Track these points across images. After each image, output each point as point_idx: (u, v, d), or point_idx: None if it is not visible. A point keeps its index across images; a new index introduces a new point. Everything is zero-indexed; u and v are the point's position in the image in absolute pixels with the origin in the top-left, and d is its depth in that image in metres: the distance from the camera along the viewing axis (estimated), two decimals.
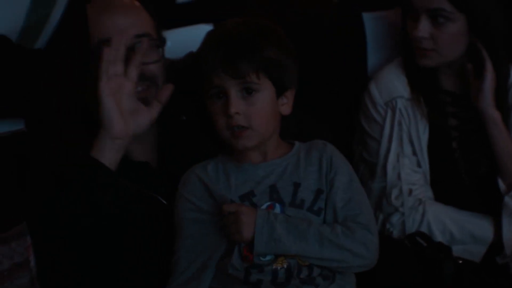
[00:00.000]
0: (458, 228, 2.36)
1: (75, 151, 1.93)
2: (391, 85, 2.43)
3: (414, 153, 2.41)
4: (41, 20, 2.22)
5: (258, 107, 1.89)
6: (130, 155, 2.04)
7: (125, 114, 1.92)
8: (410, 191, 2.38)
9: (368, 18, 2.65)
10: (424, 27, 2.30)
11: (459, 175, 2.44)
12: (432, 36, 2.31)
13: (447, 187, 2.44)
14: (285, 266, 1.86)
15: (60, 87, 2.12)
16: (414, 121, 2.40)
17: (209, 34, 1.97)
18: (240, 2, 2.87)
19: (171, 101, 2.00)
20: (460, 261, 2.20)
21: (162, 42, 2.09)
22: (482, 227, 2.38)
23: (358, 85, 2.55)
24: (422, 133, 2.40)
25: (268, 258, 1.86)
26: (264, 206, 1.90)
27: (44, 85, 2.12)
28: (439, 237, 2.34)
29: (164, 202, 2.01)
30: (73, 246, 1.91)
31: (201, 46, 1.96)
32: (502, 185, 2.37)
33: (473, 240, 2.37)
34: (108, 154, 1.91)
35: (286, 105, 1.97)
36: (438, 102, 2.42)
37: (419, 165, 2.41)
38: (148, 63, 2.00)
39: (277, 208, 1.91)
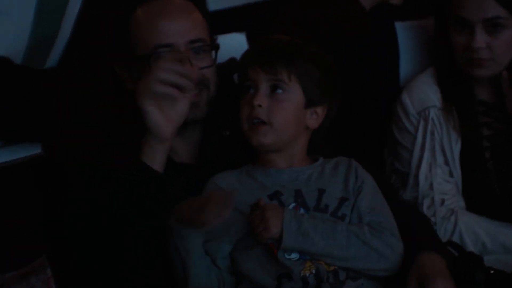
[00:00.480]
0: (490, 239, 2.36)
1: (123, 158, 1.93)
2: (424, 95, 2.43)
3: (446, 163, 2.41)
4: (49, 36, 2.20)
5: (282, 106, 1.94)
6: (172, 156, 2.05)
7: (165, 110, 1.90)
8: (442, 201, 2.38)
9: (401, 28, 2.66)
10: (481, 37, 2.28)
11: (491, 185, 2.43)
12: (489, 45, 2.29)
13: (479, 197, 2.44)
14: (313, 271, 1.87)
15: (83, 100, 2.14)
16: (446, 131, 2.41)
17: (255, 41, 2.07)
18: (273, 12, 2.89)
19: (215, 115, 2.03)
20: (492, 271, 2.19)
21: (215, 46, 2.10)
22: None
23: (390, 95, 2.56)
24: (454, 143, 2.41)
25: (293, 256, 1.87)
26: (290, 207, 1.93)
27: (64, 102, 2.14)
28: (471, 247, 2.34)
29: None
30: (115, 256, 1.91)
31: (245, 50, 2.05)
32: None
33: (505, 251, 2.37)
34: (159, 158, 1.92)
35: (314, 120, 2.02)
36: (471, 112, 2.42)
37: (451, 175, 2.41)
38: (201, 68, 2.02)
39: (302, 212, 1.93)
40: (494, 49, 2.29)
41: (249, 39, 2.59)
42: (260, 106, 1.93)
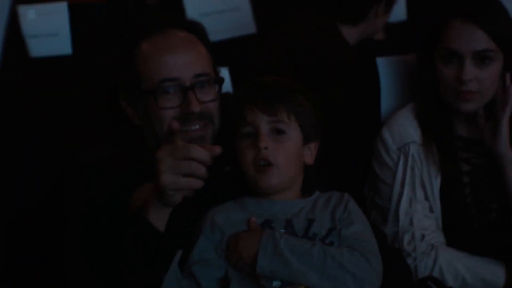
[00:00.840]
0: (470, 274, 2.36)
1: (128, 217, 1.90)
2: (404, 130, 2.44)
3: (426, 198, 2.42)
4: None
5: (285, 147, 1.99)
6: None
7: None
8: (423, 237, 2.38)
9: (382, 63, 2.67)
10: (471, 70, 2.29)
11: (470, 220, 2.44)
12: (477, 78, 2.30)
13: (458, 232, 2.44)
14: None
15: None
16: (426, 167, 2.42)
17: (246, 83, 2.09)
18: (256, 47, 2.91)
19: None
20: None
21: (219, 79, 2.12)
22: (494, 272, 2.38)
23: (371, 130, 2.57)
24: (434, 178, 2.41)
25: (275, 284, 1.88)
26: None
27: None
28: (451, 282, 2.34)
29: None
30: None
31: (238, 91, 2.08)
32: None
33: (485, 286, 2.37)
34: (165, 218, 1.88)
35: (309, 156, 2.08)
36: (450, 148, 2.43)
37: (431, 211, 2.42)
38: (206, 102, 2.04)
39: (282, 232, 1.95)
40: (481, 81, 2.31)
41: (232, 74, 2.61)
42: (266, 148, 1.97)
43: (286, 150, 1.99)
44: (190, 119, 2.02)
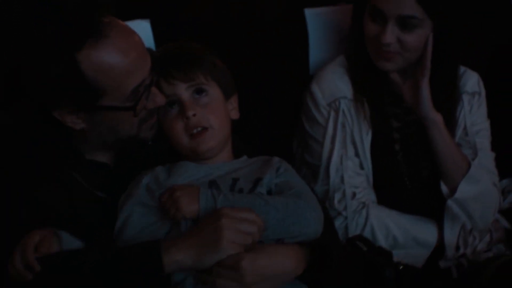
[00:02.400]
0: (401, 232, 2.34)
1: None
2: (334, 86, 2.38)
3: (357, 155, 2.37)
4: None
5: (213, 107, 1.98)
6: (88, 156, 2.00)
7: None
8: (354, 194, 2.34)
9: (311, 15, 2.58)
10: (392, 33, 2.22)
11: (401, 178, 2.41)
12: (399, 39, 2.23)
13: (390, 190, 2.41)
14: None
15: None
16: (357, 122, 2.36)
17: (158, 51, 2.05)
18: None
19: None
20: (401, 267, 2.18)
21: None
22: (425, 231, 2.37)
23: (300, 84, 2.50)
24: (365, 134, 2.36)
25: None
26: None
27: None
28: (382, 241, 2.32)
29: None
30: None
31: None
32: (444, 188, 2.35)
33: (417, 244, 2.36)
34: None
35: (234, 110, 2.08)
36: (380, 103, 2.38)
37: (362, 167, 2.38)
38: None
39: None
40: (403, 44, 2.24)
41: (153, 26, 2.50)
42: (194, 115, 1.94)
43: (213, 109, 1.98)
44: (155, 111, 1.99)
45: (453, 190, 2.34)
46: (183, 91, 1.96)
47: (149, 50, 1.98)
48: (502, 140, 2.55)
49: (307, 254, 1.88)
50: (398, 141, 2.41)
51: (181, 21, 2.70)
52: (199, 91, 1.97)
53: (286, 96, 2.54)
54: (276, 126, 2.53)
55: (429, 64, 2.25)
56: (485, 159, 2.42)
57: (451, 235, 2.36)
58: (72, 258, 1.79)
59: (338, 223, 2.32)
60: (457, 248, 2.38)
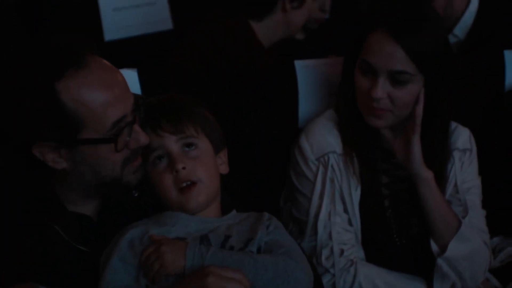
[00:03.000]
0: None
1: None
2: (323, 140, 2.35)
3: (346, 211, 2.34)
4: None
5: (202, 160, 1.93)
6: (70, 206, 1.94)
7: None
8: (342, 251, 2.30)
9: (301, 67, 2.57)
10: (383, 88, 2.20)
11: (390, 234, 2.38)
12: (390, 96, 2.21)
13: (378, 247, 2.38)
14: None
15: None
16: (346, 178, 2.33)
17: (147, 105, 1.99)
18: (169, 46, 2.81)
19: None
20: None
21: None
22: None
23: (288, 137, 2.48)
24: (354, 190, 2.33)
25: None
26: None
27: None
28: None
29: None
30: None
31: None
32: (434, 246, 2.31)
33: None
34: None
35: (223, 165, 2.02)
36: (370, 158, 2.35)
37: (350, 224, 2.34)
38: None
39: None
40: (394, 100, 2.22)
41: (140, 75, 2.48)
42: (184, 168, 1.89)
43: (203, 163, 1.93)
44: (139, 152, 1.94)
45: (443, 248, 2.30)
46: (172, 143, 1.91)
47: (135, 95, 1.94)
48: (493, 197, 2.52)
49: None
50: (388, 197, 2.38)
51: (168, 70, 2.69)
52: (189, 144, 1.92)
53: (275, 149, 2.51)
54: (264, 180, 2.50)
55: (420, 121, 2.23)
56: (476, 217, 2.39)
57: None
58: None
59: (325, 280, 2.28)
60: None
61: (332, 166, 2.32)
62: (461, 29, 2.81)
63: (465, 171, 2.40)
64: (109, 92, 1.83)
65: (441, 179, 2.36)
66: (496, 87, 2.72)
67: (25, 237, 1.87)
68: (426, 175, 2.27)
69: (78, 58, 1.80)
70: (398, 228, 2.38)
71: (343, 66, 2.39)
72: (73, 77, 1.79)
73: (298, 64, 2.57)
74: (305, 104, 2.55)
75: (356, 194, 2.33)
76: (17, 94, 1.79)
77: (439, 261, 2.29)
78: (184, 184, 1.90)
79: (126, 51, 2.77)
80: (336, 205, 2.32)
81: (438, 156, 2.35)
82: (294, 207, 2.40)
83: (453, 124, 2.42)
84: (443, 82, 2.25)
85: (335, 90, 2.46)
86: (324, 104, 2.49)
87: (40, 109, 1.78)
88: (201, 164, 1.92)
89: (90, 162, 1.87)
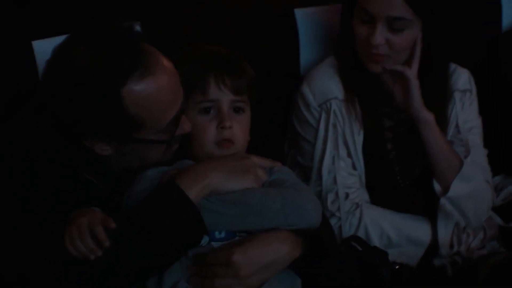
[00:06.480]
0: (395, 232, 2.34)
1: None
2: (325, 87, 2.37)
3: (349, 155, 2.37)
4: None
5: (244, 126, 2.01)
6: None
7: None
8: (347, 195, 2.34)
9: (301, 15, 2.57)
10: (381, 34, 2.21)
11: (394, 176, 2.41)
12: (388, 41, 2.23)
13: (382, 189, 2.41)
14: None
15: None
16: (348, 123, 2.36)
17: (192, 54, 2.06)
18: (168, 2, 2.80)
19: None
20: (397, 266, 2.18)
21: None
22: (419, 229, 2.37)
23: (291, 84, 2.50)
24: (356, 134, 2.36)
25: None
26: None
27: None
28: (376, 241, 2.32)
29: None
30: None
31: (184, 63, 1.98)
32: (437, 187, 2.35)
33: (411, 243, 2.36)
34: None
35: None
36: (372, 103, 2.38)
37: (354, 168, 2.37)
38: None
39: None
40: (392, 46, 2.24)
41: (144, 28, 2.49)
42: (230, 127, 1.97)
43: (244, 129, 2.02)
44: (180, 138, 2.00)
45: (446, 188, 2.33)
46: (228, 101, 1.98)
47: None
48: (494, 137, 2.55)
49: (302, 243, 1.89)
50: (390, 140, 2.40)
51: (170, 24, 2.68)
52: (239, 108, 2.00)
53: (277, 97, 2.53)
54: (267, 127, 2.52)
55: (417, 62, 2.26)
56: (478, 157, 2.42)
57: (445, 233, 2.35)
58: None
59: (332, 223, 2.30)
60: (451, 246, 2.37)
61: (334, 112, 2.35)
62: None
63: (466, 112, 2.43)
64: (169, 97, 1.88)
65: (443, 120, 2.38)
66: (493, 28, 2.74)
67: (65, 190, 1.90)
68: (427, 117, 2.29)
69: (143, 62, 1.83)
70: (402, 170, 2.41)
71: (341, 15, 2.40)
72: (137, 82, 1.82)
73: (298, 12, 2.58)
74: (307, 51, 2.56)
75: (359, 139, 2.36)
76: (85, 97, 1.81)
77: (442, 200, 2.33)
78: (223, 141, 1.97)
79: (125, 6, 2.76)
80: (339, 150, 2.35)
81: (439, 98, 2.37)
82: (298, 154, 2.44)
83: (452, 66, 2.44)
84: (440, 26, 2.27)
85: (336, 37, 2.47)
86: (325, 51, 2.50)
87: (104, 111, 1.82)
88: (242, 129, 2.00)
89: (137, 153, 1.94)
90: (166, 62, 1.89)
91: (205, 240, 1.88)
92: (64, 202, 1.87)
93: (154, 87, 1.84)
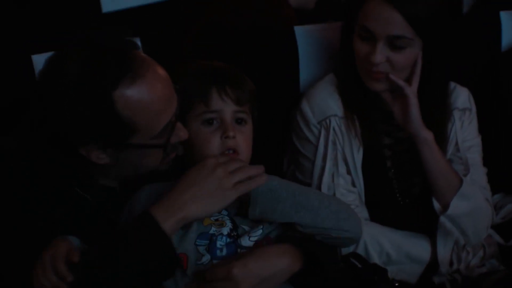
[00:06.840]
0: (395, 249, 2.33)
1: None
2: (324, 104, 2.37)
3: (349, 172, 2.37)
4: None
5: (246, 136, 2.04)
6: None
7: None
8: None
9: (300, 32, 2.58)
10: (382, 52, 2.22)
11: (393, 194, 2.41)
12: (389, 59, 2.23)
13: (382, 207, 2.41)
14: None
15: None
16: (348, 140, 2.36)
17: (193, 68, 2.08)
18: (167, 15, 2.80)
19: None
20: (396, 284, 2.18)
21: None
22: (418, 247, 2.36)
23: (290, 101, 2.50)
24: (356, 152, 2.36)
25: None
26: None
27: None
28: (375, 258, 2.31)
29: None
30: None
31: (185, 76, 2.02)
32: (437, 205, 2.34)
33: (410, 260, 2.35)
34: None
35: None
36: (371, 121, 2.38)
37: (353, 185, 2.37)
38: None
39: None
40: (393, 64, 2.24)
41: (143, 44, 2.49)
42: (234, 137, 1.98)
43: (246, 139, 2.03)
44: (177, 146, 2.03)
45: (445, 206, 2.33)
46: (230, 112, 2.00)
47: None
48: (493, 155, 2.55)
49: (302, 257, 1.90)
50: (390, 158, 2.41)
51: (169, 40, 2.69)
52: (241, 119, 2.02)
53: (276, 114, 2.53)
54: (266, 144, 2.51)
55: (417, 79, 2.26)
56: (477, 175, 2.42)
57: (444, 251, 2.35)
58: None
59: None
60: (451, 264, 2.37)
61: (333, 129, 2.35)
62: None
63: (465, 130, 2.43)
64: (161, 101, 1.88)
65: (442, 139, 2.38)
66: (493, 48, 2.75)
67: (58, 205, 1.91)
68: (426, 135, 2.29)
69: (133, 66, 1.83)
70: (401, 188, 2.41)
71: (342, 32, 2.41)
72: (128, 86, 1.83)
73: (298, 29, 2.59)
74: (306, 69, 2.57)
75: (359, 156, 2.36)
76: (75, 100, 1.81)
77: (442, 219, 2.33)
78: (227, 151, 1.98)
79: (125, 23, 2.77)
80: (339, 167, 2.35)
81: (438, 116, 2.38)
82: (297, 170, 2.43)
83: (452, 84, 2.45)
84: (441, 44, 2.28)
85: (335, 55, 2.48)
86: (325, 68, 2.51)
87: (97, 115, 1.82)
88: (245, 140, 2.02)
89: (133, 160, 1.94)
90: (158, 68, 1.89)
91: (206, 258, 1.88)
92: (55, 219, 1.87)
93: (145, 91, 1.84)
